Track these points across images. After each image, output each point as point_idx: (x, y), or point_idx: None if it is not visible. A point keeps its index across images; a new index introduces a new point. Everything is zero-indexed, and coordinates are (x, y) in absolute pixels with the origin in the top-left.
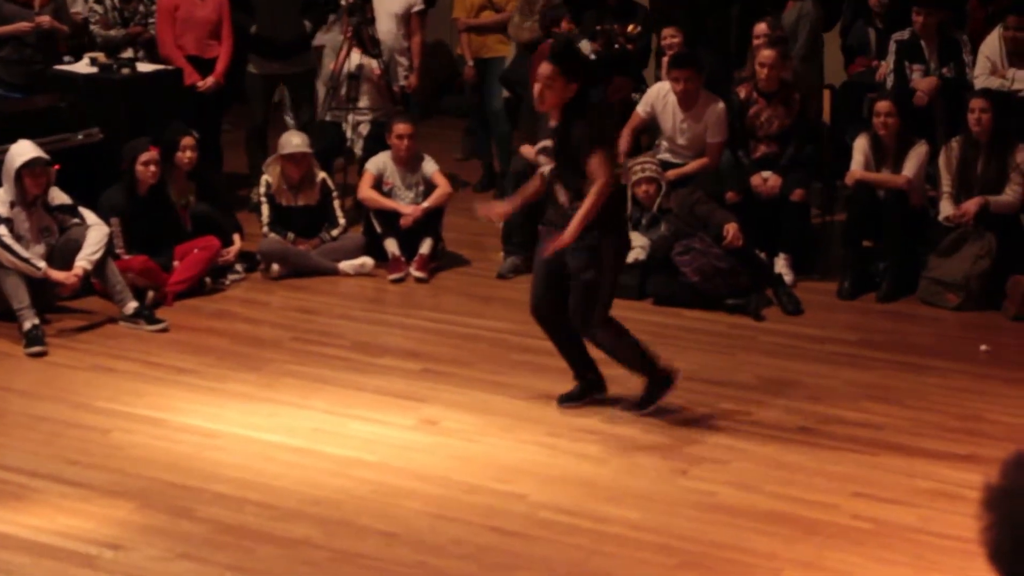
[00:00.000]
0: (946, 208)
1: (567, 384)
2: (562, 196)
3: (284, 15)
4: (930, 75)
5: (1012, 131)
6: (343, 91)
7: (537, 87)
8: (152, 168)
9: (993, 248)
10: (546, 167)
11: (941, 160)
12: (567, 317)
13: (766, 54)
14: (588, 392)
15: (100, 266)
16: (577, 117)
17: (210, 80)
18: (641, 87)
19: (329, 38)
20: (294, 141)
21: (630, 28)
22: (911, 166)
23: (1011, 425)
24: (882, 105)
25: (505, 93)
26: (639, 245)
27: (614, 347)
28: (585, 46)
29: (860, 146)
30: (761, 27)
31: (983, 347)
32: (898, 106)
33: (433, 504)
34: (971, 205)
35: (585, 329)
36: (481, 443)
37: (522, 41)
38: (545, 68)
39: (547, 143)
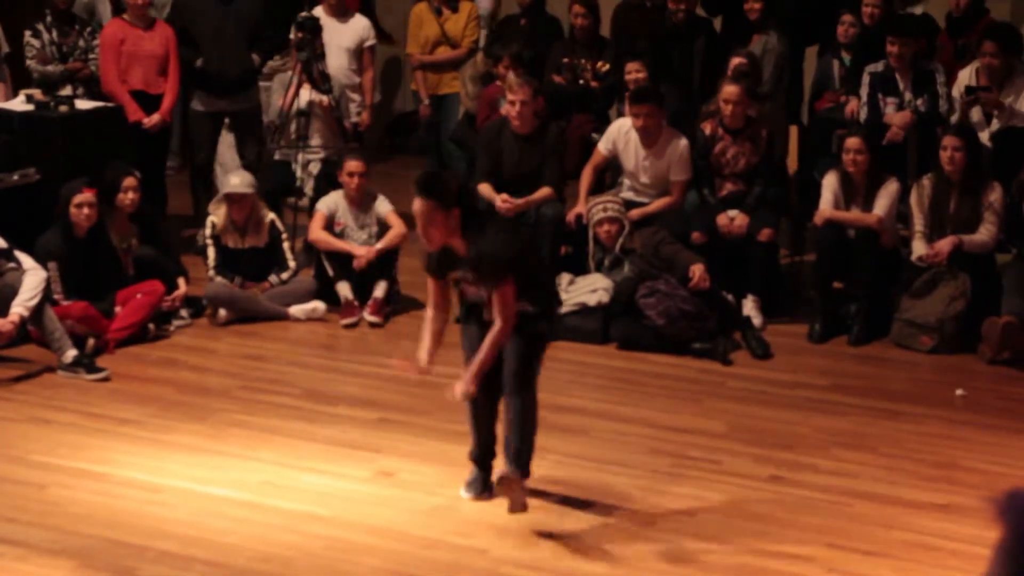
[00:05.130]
0: (919, 248)
1: None
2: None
3: (232, 49)
4: (904, 108)
5: (985, 168)
6: (292, 129)
7: (420, 228)
8: (86, 210)
9: (968, 289)
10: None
11: (913, 198)
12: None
13: (730, 90)
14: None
15: (37, 312)
16: (477, 235)
17: (156, 117)
18: (602, 126)
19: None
20: (233, 181)
21: (599, 65)
22: (882, 204)
23: (989, 473)
24: (852, 142)
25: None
26: (602, 287)
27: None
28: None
29: (829, 184)
30: (736, 61)
31: (959, 392)
32: (868, 142)
33: (391, 560)
34: (945, 245)
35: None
36: (440, 495)
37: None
38: (419, 207)
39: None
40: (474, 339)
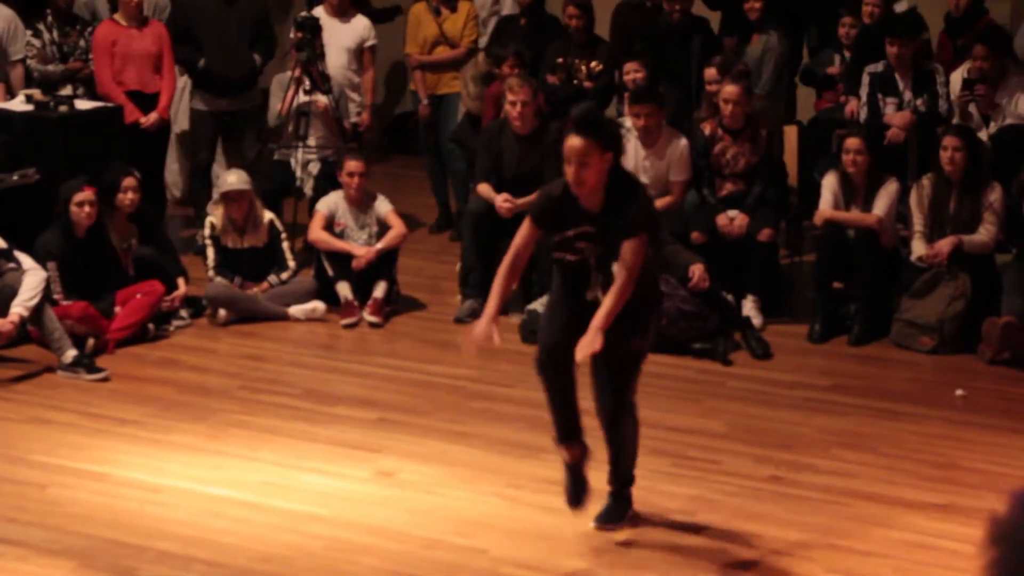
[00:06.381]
0: (918, 248)
1: (529, 433)
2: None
3: (234, 50)
4: (904, 108)
5: (985, 168)
6: (291, 129)
7: (572, 169)
8: (87, 209)
9: (968, 289)
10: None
11: (913, 198)
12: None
13: (729, 90)
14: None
15: (37, 312)
16: (623, 194)
17: (153, 116)
18: None
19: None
20: (229, 179)
21: (593, 65)
22: (882, 205)
23: (989, 473)
24: (852, 142)
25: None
26: None
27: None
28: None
29: (829, 184)
30: (711, 72)
31: (959, 392)
32: (868, 142)
33: (390, 560)
34: (944, 245)
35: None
36: (440, 495)
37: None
38: (575, 144)
39: (584, 228)
40: (562, 311)
